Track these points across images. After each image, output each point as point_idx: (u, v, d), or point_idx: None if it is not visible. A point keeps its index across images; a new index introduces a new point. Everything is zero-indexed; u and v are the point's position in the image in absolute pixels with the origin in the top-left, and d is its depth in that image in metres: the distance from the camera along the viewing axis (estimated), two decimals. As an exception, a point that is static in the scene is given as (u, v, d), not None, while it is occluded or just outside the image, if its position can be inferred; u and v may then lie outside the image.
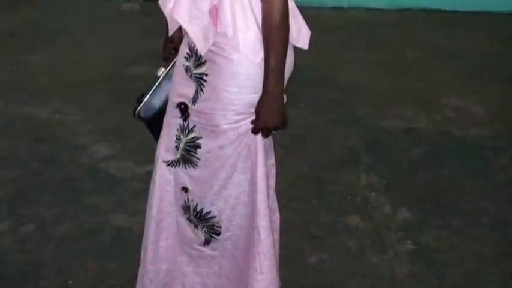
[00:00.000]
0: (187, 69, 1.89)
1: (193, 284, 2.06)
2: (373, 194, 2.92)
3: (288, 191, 2.75)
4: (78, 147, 3.30)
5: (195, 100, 1.86)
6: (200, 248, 1.99)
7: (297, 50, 1.85)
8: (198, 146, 1.87)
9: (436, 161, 3.25)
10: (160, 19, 1.93)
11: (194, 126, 1.87)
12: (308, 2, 5.18)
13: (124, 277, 2.27)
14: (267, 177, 1.88)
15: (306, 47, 1.86)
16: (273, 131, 1.82)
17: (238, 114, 1.79)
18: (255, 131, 1.80)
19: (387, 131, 3.58)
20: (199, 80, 1.84)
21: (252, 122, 1.79)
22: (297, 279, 2.32)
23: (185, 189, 1.94)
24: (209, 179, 1.89)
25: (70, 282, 2.30)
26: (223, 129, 1.82)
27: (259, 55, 1.74)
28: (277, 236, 2.02)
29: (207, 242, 1.97)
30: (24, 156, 3.21)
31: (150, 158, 2.03)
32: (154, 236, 1.99)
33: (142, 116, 2.01)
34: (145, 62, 4.07)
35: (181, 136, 1.90)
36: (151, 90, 2.02)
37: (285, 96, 1.78)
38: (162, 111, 1.99)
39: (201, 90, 1.84)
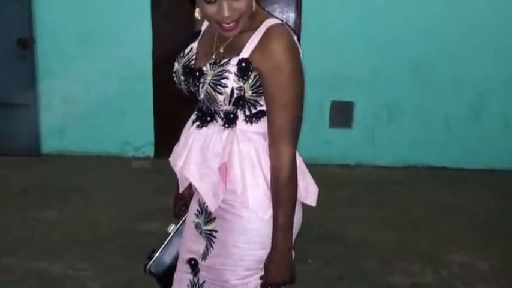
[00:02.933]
0: (197, 225, 1.93)
1: None
2: None
3: None
4: (90, 302, 3.27)
5: (205, 256, 1.88)
6: None
7: (304, 206, 1.89)
8: None
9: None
10: (171, 176, 1.99)
11: (204, 281, 1.89)
12: (316, 159, 5.33)
13: None
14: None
15: (313, 204, 1.91)
16: (282, 287, 1.82)
17: (247, 269, 1.81)
18: (264, 287, 1.80)
19: (394, 286, 3.57)
20: (209, 237, 1.87)
21: (261, 277, 1.80)
22: None
23: None
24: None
25: None
26: (232, 284, 1.83)
27: (268, 212, 1.78)
28: None
29: None
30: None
31: (161, 313, 2.03)
32: None
33: (153, 271, 2.03)
34: (156, 219, 4.13)
35: (192, 292, 1.91)
36: (162, 246, 2.05)
37: (293, 252, 1.80)
38: (172, 267, 2.01)
39: (211, 246, 1.87)
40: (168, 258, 2.05)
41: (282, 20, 1.81)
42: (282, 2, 5.20)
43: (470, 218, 4.60)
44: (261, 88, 1.74)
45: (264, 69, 1.71)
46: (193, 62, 1.86)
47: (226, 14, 1.66)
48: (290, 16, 5.28)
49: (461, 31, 5.29)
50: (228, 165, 1.80)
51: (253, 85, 1.73)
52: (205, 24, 1.94)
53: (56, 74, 5.51)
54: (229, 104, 1.74)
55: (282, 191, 1.74)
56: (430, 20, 5.26)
